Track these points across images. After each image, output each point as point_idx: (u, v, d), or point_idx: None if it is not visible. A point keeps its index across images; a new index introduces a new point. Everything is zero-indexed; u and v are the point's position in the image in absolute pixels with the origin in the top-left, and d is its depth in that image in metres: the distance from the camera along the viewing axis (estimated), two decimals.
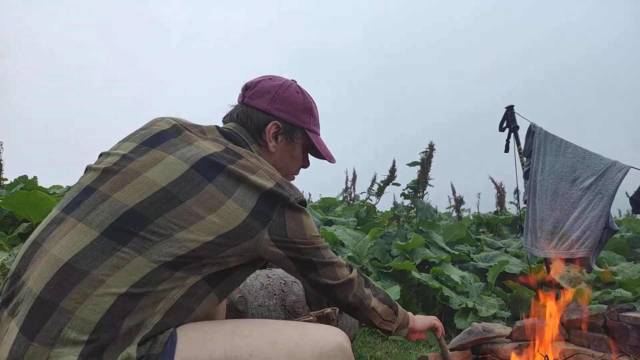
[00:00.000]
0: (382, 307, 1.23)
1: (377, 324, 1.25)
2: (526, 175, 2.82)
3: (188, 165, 1.02)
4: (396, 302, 1.30)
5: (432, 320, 1.45)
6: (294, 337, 1.03)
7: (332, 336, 1.06)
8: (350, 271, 1.18)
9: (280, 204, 1.05)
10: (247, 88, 1.25)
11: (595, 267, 3.63)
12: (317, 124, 1.30)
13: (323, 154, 1.28)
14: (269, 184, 1.05)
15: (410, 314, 1.36)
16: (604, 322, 1.72)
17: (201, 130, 1.15)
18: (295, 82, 1.30)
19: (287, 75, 1.32)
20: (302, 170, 1.35)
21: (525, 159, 2.93)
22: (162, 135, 1.09)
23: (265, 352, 0.98)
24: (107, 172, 1.02)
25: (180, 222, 0.95)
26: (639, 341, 1.59)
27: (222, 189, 1.01)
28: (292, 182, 1.28)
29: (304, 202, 1.12)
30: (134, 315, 0.89)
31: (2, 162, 3.76)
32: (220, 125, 1.25)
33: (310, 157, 1.35)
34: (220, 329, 1.01)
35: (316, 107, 1.30)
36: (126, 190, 0.98)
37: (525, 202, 2.76)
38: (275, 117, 1.21)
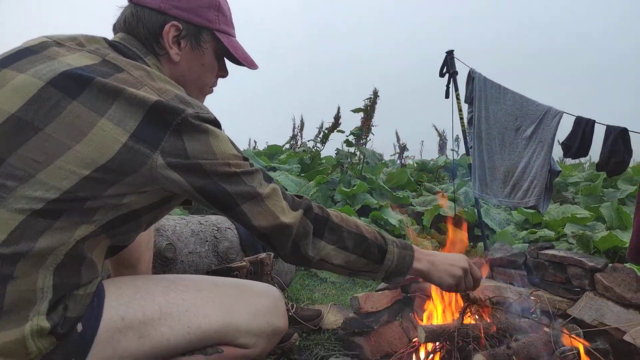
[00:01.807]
0: (344, 256, 0.99)
1: (344, 275, 1.04)
2: (470, 122, 2.86)
3: (43, 82, 0.81)
4: (391, 243, 1.05)
5: (460, 268, 1.12)
6: (230, 293, 1.00)
7: (267, 294, 1.04)
8: (295, 209, 0.94)
9: (176, 120, 0.83)
10: None
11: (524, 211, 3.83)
12: (228, 23, 1.06)
13: (240, 59, 1.05)
14: (155, 97, 0.84)
15: (430, 256, 1.09)
16: (525, 260, 1.81)
17: (79, 43, 0.92)
18: None
19: None
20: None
21: (468, 105, 2.97)
22: (23, 52, 0.87)
23: (201, 308, 0.94)
24: None
25: (41, 157, 0.77)
26: (555, 276, 1.69)
27: (92, 106, 0.81)
28: (205, 103, 1.06)
29: (213, 121, 0.90)
30: (19, 280, 0.76)
31: None
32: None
33: (231, 65, 1.13)
34: (155, 284, 0.95)
35: (226, 4, 1.07)
36: None
37: (470, 148, 2.81)
38: (173, 17, 0.97)
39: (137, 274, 1.28)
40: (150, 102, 0.83)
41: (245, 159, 0.93)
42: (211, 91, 1.13)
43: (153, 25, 0.97)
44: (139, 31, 0.98)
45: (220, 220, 2.04)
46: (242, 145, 7.88)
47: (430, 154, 8.24)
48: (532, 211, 4.05)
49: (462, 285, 1.15)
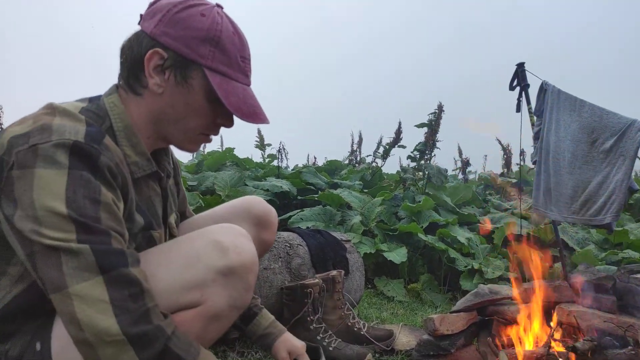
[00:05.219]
0: None
1: None
2: (537, 136, 2.74)
3: None
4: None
5: None
6: (154, 261, 0.88)
7: (201, 235, 0.92)
8: (127, 330, 0.73)
9: (12, 158, 0.74)
10: (149, 6, 0.93)
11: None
12: (228, 63, 0.90)
13: (231, 107, 0.88)
14: (19, 131, 0.76)
15: None
16: (614, 284, 1.69)
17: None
18: (219, 7, 0.93)
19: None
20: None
21: (535, 118, 2.85)
22: None
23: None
24: None
25: None
26: None
27: None
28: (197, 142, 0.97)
29: (62, 146, 0.74)
30: None
31: (2, 126, 3.71)
32: None
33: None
34: None
35: (233, 42, 0.91)
36: None
37: (534, 163, 2.69)
38: (161, 45, 0.87)
39: None
40: (6, 140, 0.76)
41: (83, 224, 0.73)
42: (206, 139, 0.99)
43: (141, 50, 0.89)
44: (128, 56, 0.91)
45: (291, 237, 2.08)
46: (301, 161, 7.97)
47: (494, 169, 7.93)
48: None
49: None
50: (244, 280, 0.91)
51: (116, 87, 0.95)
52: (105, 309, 0.72)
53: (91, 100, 0.92)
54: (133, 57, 0.90)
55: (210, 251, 0.88)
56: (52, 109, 0.83)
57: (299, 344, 1.30)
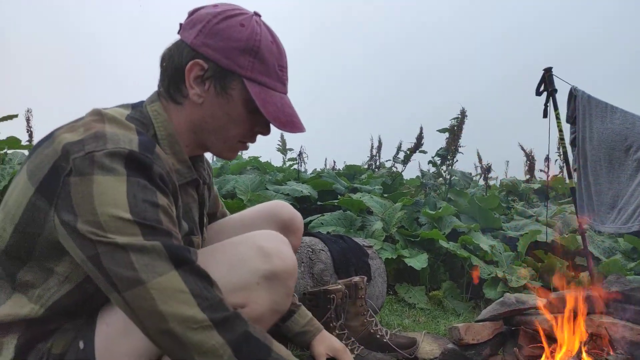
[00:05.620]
0: None
1: None
2: (573, 143, 2.68)
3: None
4: None
5: None
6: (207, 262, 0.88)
7: (244, 241, 0.95)
8: (211, 318, 0.74)
9: (70, 165, 0.76)
10: (188, 15, 0.94)
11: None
12: (267, 72, 0.91)
13: (269, 116, 0.89)
14: (71, 138, 0.78)
15: None
16: None
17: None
18: (258, 15, 0.94)
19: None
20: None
21: (570, 125, 2.79)
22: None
23: None
24: None
25: None
26: None
27: (24, 161, 0.83)
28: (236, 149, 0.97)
29: (127, 157, 0.77)
30: None
31: (32, 129, 3.80)
32: None
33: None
34: None
35: (271, 51, 0.91)
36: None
37: (574, 170, 2.62)
38: (201, 55, 0.88)
39: None
40: (61, 145, 0.78)
41: (147, 226, 0.75)
42: (244, 147, 1.01)
43: (181, 60, 0.90)
44: (168, 66, 0.93)
45: (314, 242, 2.07)
46: (319, 165, 7.95)
47: (516, 175, 7.79)
48: None
49: None
50: (286, 285, 0.94)
51: (157, 95, 0.97)
52: (186, 299, 0.73)
53: (134, 107, 0.95)
54: (174, 66, 0.92)
55: (255, 256, 0.91)
56: (100, 116, 0.85)
57: (339, 346, 1.31)
